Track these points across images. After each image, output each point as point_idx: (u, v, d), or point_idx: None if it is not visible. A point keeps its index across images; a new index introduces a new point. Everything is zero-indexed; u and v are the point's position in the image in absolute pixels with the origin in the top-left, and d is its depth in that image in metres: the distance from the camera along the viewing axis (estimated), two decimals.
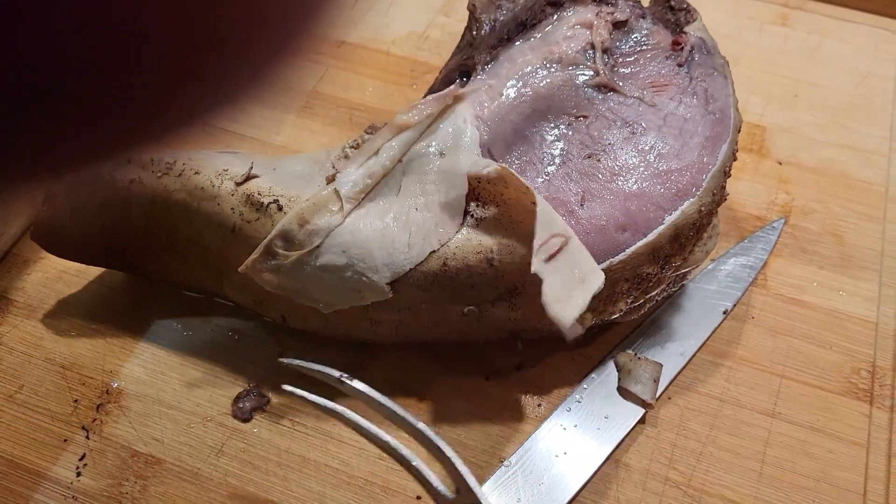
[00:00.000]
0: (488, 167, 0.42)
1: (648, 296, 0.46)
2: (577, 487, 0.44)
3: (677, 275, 0.47)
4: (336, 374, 0.40)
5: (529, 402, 0.48)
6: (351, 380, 0.40)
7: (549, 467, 0.45)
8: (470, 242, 0.42)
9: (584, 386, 0.48)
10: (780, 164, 0.59)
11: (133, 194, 0.45)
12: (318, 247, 0.42)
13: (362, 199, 0.43)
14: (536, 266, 0.40)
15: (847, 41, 0.67)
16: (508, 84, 0.47)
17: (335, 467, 0.45)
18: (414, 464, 0.39)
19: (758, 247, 0.54)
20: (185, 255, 0.47)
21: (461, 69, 0.49)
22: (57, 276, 0.52)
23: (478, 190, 0.43)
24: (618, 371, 0.48)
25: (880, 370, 0.49)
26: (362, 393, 0.40)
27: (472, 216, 0.43)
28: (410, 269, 0.42)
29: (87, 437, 0.46)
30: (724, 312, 0.51)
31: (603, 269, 0.43)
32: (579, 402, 0.47)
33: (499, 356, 0.49)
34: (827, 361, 0.50)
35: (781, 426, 0.47)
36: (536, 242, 0.41)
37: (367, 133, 0.48)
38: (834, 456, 0.46)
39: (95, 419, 0.47)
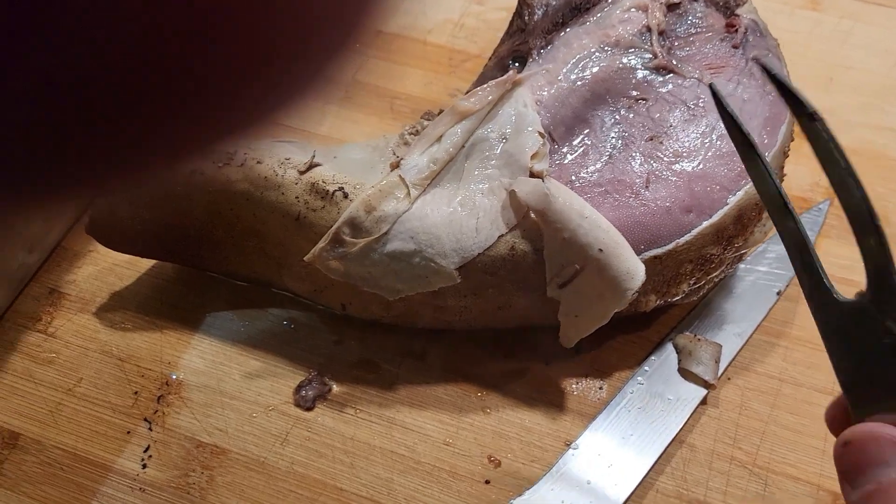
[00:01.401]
0: (540, 161, 0.43)
1: (709, 277, 0.46)
2: (646, 469, 0.44)
3: (736, 256, 0.47)
4: (811, 107, 0.33)
5: (591, 385, 0.48)
6: (823, 120, 0.32)
7: (616, 450, 0.45)
8: (536, 227, 0.42)
9: (646, 368, 0.48)
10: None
11: (193, 185, 0.45)
12: (385, 233, 0.42)
13: (427, 185, 0.43)
14: (550, 292, 0.43)
15: (880, 25, 0.67)
16: (565, 68, 0.47)
17: (401, 454, 0.45)
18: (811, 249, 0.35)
19: (806, 228, 0.54)
20: (243, 247, 0.47)
21: (514, 55, 0.49)
22: (108, 268, 0.52)
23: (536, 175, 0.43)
24: (677, 353, 0.48)
25: None
26: (825, 133, 0.32)
27: None
28: (479, 253, 0.42)
29: (150, 429, 0.46)
30: (778, 293, 0.51)
31: (668, 251, 0.43)
32: (641, 384, 0.47)
33: (557, 341, 0.49)
34: None
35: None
36: (548, 274, 0.42)
37: (425, 119, 0.48)
38: None
39: (157, 411, 0.47)
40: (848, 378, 0.33)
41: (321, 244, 0.42)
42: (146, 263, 0.52)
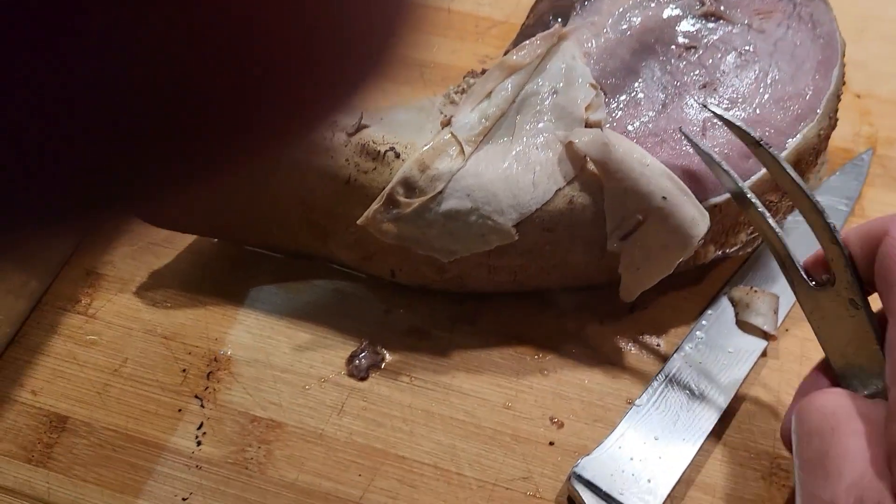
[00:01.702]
0: (595, 112, 0.42)
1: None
2: (713, 423, 0.43)
3: (790, 204, 0.46)
4: (756, 136, 0.39)
5: (648, 342, 0.47)
6: (767, 146, 0.38)
7: (680, 405, 0.44)
8: (595, 178, 0.41)
9: (703, 322, 0.47)
10: (859, 97, 0.58)
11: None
12: (440, 192, 0.41)
13: (480, 141, 0.42)
14: (611, 245, 0.42)
15: None
16: (611, 20, 0.46)
17: (461, 419, 0.44)
18: (784, 242, 0.38)
19: (850, 178, 0.54)
20: (288, 218, 0.46)
21: (555, 11, 0.48)
22: (145, 247, 0.51)
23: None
24: (734, 306, 0.48)
25: None
26: (770, 156, 0.38)
27: None
28: (537, 209, 0.41)
29: (202, 406, 0.45)
30: None
31: (728, 199, 0.42)
32: (700, 338, 0.46)
33: (610, 299, 0.48)
34: None
35: None
36: (609, 227, 0.41)
37: (470, 77, 0.47)
38: None
39: (208, 387, 0.45)
40: (837, 363, 0.38)
41: (375, 206, 0.41)
42: (184, 241, 0.51)
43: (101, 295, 0.49)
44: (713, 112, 0.41)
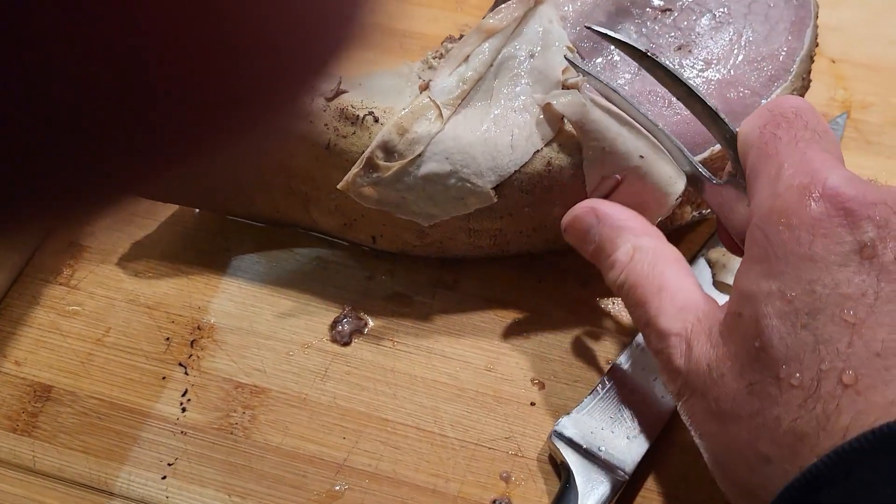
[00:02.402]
0: (573, 74, 0.42)
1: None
2: None
3: None
4: (642, 48, 0.39)
5: None
6: (655, 56, 0.39)
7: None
8: (572, 139, 0.42)
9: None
10: (834, 61, 0.59)
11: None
12: (419, 155, 0.41)
13: (458, 105, 0.43)
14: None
15: None
16: None
17: (444, 381, 0.45)
18: (678, 145, 0.39)
19: None
20: (270, 186, 0.46)
21: None
22: (127, 219, 0.51)
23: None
24: (710, 267, 0.48)
25: None
26: (660, 65, 0.38)
27: None
28: (515, 171, 0.42)
29: (186, 373, 0.45)
30: None
31: (704, 158, 0.43)
32: None
33: (590, 264, 0.49)
34: None
35: None
36: (588, 187, 0.42)
37: (448, 43, 0.47)
38: None
39: (191, 355, 0.46)
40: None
41: (354, 170, 0.42)
42: (166, 211, 0.51)
43: (83, 266, 0.49)
44: (594, 30, 0.40)
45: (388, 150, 0.41)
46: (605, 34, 0.39)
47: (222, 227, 0.50)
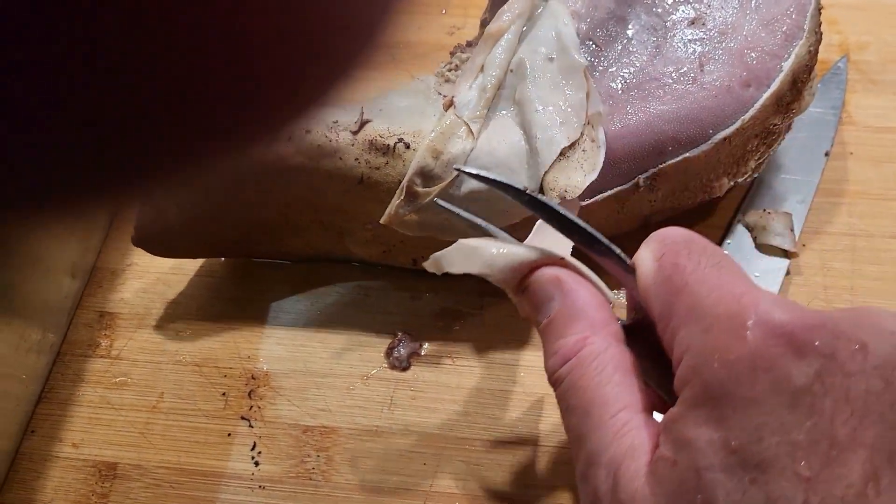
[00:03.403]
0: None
1: (770, 149, 0.46)
2: None
3: (788, 123, 0.47)
4: (520, 186, 0.35)
5: None
6: (535, 193, 0.35)
7: None
8: (601, 138, 0.41)
9: (725, 252, 0.48)
10: (823, 7, 0.59)
11: (242, 171, 0.42)
12: (457, 175, 0.41)
13: (484, 116, 0.42)
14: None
15: None
16: None
17: (511, 390, 0.44)
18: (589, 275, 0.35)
19: (831, 87, 0.55)
20: (298, 223, 0.45)
21: None
22: (154, 279, 0.49)
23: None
24: (750, 231, 0.48)
25: None
26: (545, 205, 0.34)
27: (596, 112, 0.42)
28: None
29: (251, 426, 0.44)
30: (826, 154, 0.52)
31: (736, 129, 0.43)
32: None
33: (629, 247, 0.49)
34: None
35: None
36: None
37: (458, 52, 0.46)
38: None
39: (252, 406, 0.45)
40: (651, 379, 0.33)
41: (395, 201, 0.41)
42: (192, 266, 0.50)
43: (120, 334, 0.48)
44: (466, 173, 0.36)
45: (426, 176, 0.41)
46: (479, 175, 0.36)
47: (253, 271, 0.49)
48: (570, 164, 0.41)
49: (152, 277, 0.50)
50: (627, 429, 0.29)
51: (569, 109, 0.42)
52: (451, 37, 0.59)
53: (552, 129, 0.41)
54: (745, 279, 0.29)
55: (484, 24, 0.50)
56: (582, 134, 0.42)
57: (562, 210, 0.34)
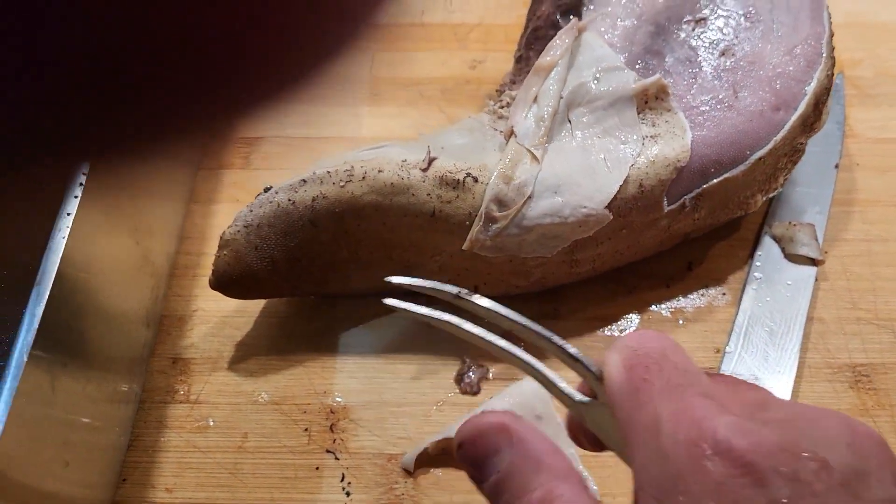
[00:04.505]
0: (647, 80, 0.45)
1: (795, 165, 0.50)
2: (797, 350, 0.48)
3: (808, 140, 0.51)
4: (454, 290, 0.34)
5: (714, 293, 0.51)
6: (470, 295, 0.34)
7: (765, 342, 0.48)
8: (657, 158, 0.45)
9: (757, 264, 0.52)
10: None
11: (318, 211, 0.45)
12: (530, 197, 0.44)
13: (545, 143, 0.45)
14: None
15: None
16: (621, 9, 0.49)
17: None
18: (540, 370, 0.34)
19: (833, 103, 0.59)
20: (368, 261, 0.47)
21: (561, 9, 0.51)
22: (220, 322, 0.51)
23: (641, 107, 0.46)
24: (778, 242, 0.52)
25: None
26: (480, 307, 0.34)
27: (646, 136, 0.46)
28: (616, 191, 0.44)
29: (337, 458, 0.46)
30: (836, 166, 0.56)
31: (770, 150, 0.47)
32: (759, 278, 0.51)
33: (668, 263, 0.52)
34: None
35: None
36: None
37: (504, 90, 0.49)
38: None
39: (335, 440, 0.47)
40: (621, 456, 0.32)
41: (475, 228, 0.43)
42: (255, 307, 0.51)
43: (196, 379, 0.49)
44: (389, 305, 0.35)
45: (501, 201, 0.43)
46: (402, 308, 0.36)
47: (317, 308, 0.51)
48: (664, 139, 0.45)
49: (218, 321, 0.51)
50: None
51: (624, 130, 0.45)
52: (474, 70, 0.62)
53: (615, 151, 0.45)
54: (709, 403, 0.27)
55: (519, 60, 0.53)
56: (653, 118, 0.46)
57: (517, 317, 0.33)
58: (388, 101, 0.61)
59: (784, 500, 0.24)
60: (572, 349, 0.31)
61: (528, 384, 0.46)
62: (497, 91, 0.50)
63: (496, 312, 0.33)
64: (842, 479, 0.25)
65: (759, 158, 0.47)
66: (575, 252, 0.46)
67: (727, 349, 0.48)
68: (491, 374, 0.49)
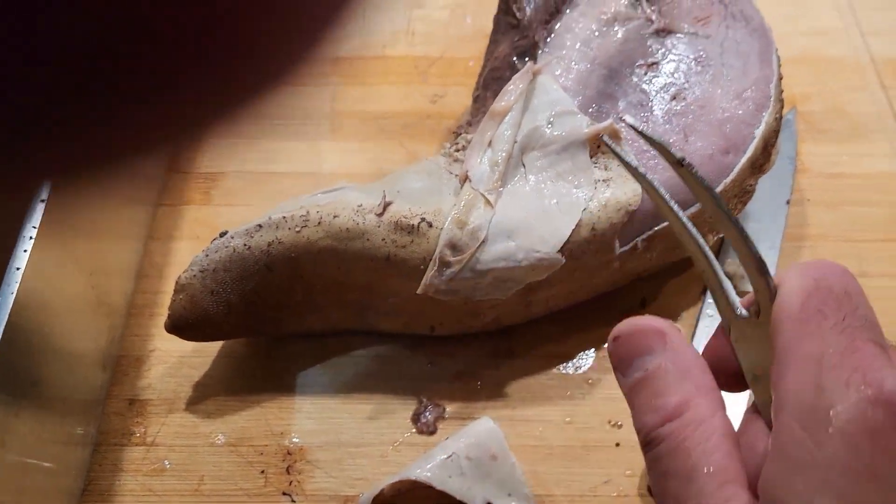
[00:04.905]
0: (599, 125, 0.46)
1: (745, 205, 0.51)
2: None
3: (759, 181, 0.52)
4: (678, 155, 0.33)
5: None
6: (691, 167, 0.33)
7: None
8: (609, 202, 0.45)
9: (709, 301, 0.53)
10: None
11: (274, 256, 0.45)
12: (483, 241, 0.44)
13: (499, 187, 0.45)
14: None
15: None
16: (575, 53, 0.50)
17: (533, 445, 0.48)
18: (717, 269, 0.35)
19: (784, 138, 0.60)
20: (322, 302, 0.48)
21: (517, 51, 0.51)
22: (178, 362, 0.51)
23: (594, 151, 0.47)
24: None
25: None
26: (698, 180, 0.33)
27: (598, 179, 0.46)
28: (569, 234, 0.45)
29: (293, 501, 0.46)
30: (787, 202, 0.57)
31: (719, 192, 0.48)
32: (712, 315, 0.52)
33: (622, 301, 0.53)
34: (881, 216, 0.57)
35: (874, 282, 0.54)
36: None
37: (461, 132, 0.50)
38: None
39: (292, 482, 0.47)
40: (753, 379, 0.34)
41: (429, 273, 0.44)
42: (213, 348, 0.52)
43: (152, 420, 0.49)
44: (633, 128, 0.36)
45: (455, 246, 0.44)
46: (644, 134, 0.35)
47: (274, 348, 0.52)
48: (616, 182, 0.45)
49: (176, 361, 0.51)
50: (737, 499, 0.28)
51: (577, 174, 0.46)
52: (435, 105, 0.63)
53: (568, 195, 0.45)
54: (881, 353, 0.28)
55: (477, 100, 0.54)
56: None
57: (712, 191, 0.32)
58: (349, 135, 0.62)
59: None
60: (762, 260, 0.32)
61: (485, 424, 0.47)
62: (454, 133, 0.51)
63: (711, 194, 0.32)
64: None
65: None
66: (529, 294, 0.47)
67: None
68: (447, 413, 0.49)
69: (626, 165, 0.36)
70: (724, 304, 0.33)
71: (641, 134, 0.35)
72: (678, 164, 0.33)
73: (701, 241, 0.34)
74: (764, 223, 0.56)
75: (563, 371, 0.51)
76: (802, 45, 0.66)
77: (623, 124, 0.46)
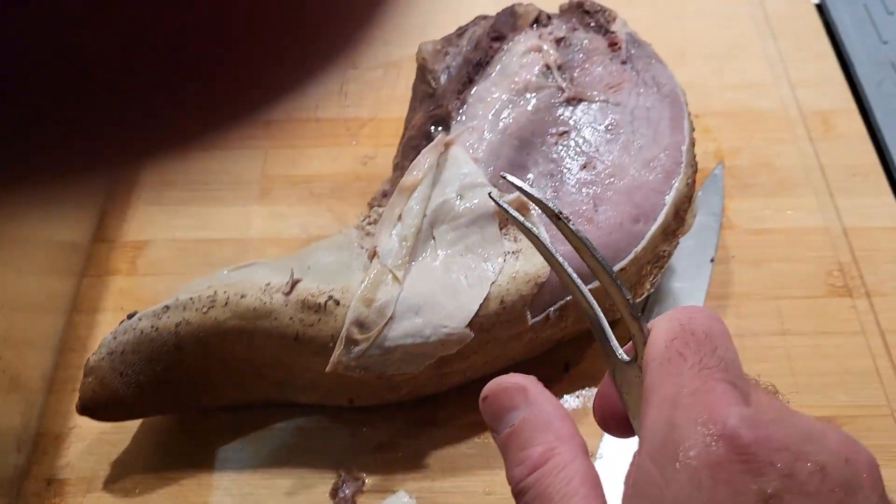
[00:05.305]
0: (508, 197, 0.46)
1: (661, 270, 0.51)
2: None
3: (676, 244, 0.52)
4: (556, 209, 0.35)
5: (590, 395, 0.52)
6: (568, 220, 0.34)
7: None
8: (518, 275, 0.46)
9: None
10: (697, 116, 0.66)
11: (182, 337, 0.45)
12: (391, 318, 0.44)
13: (407, 262, 0.46)
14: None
15: None
16: (488, 122, 0.50)
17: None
18: (600, 318, 0.35)
19: (710, 194, 0.61)
20: (239, 378, 0.48)
21: (433, 120, 0.52)
22: (97, 439, 0.51)
23: (504, 223, 0.47)
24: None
25: (845, 265, 0.58)
26: (575, 235, 0.34)
27: (508, 251, 0.47)
28: (477, 309, 0.45)
29: None
30: (711, 260, 0.57)
31: (630, 261, 0.48)
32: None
33: (544, 366, 0.53)
34: (804, 273, 0.57)
35: (794, 339, 0.54)
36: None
37: (374, 205, 0.50)
38: (843, 349, 0.54)
39: None
40: (634, 421, 0.34)
41: (337, 351, 0.44)
42: (133, 425, 0.51)
43: (70, 501, 0.49)
44: (513, 185, 0.36)
45: (362, 324, 0.44)
46: (523, 190, 0.36)
47: (195, 423, 0.51)
48: (525, 254, 0.46)
49: (95, 438, 0.51)
50: None
51: (486, 246, 0.46)
52: (364, 167, 0.63)
53: (477, 269, 0.45)
54: (731, 391, 0.29)
55: (396, 167, 0.54)
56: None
57: (587, 242, 0.34)
58: (278, 199, 0.62)
59: (770, 491, 0.26)
60: (635, 306, 0.33)
61: (401, 498, 0.47)
62: (368, 205, 0.51)
63: (586, 246, 0.34)
64: (834, 486, 0.27)
65: (621, 269, 0.48)
66: (443, 366, 0.47)
67: (599, 453, 0.49)
68: (367, 486, 0.49)
69: (520, 227, 0.37)
70: (609, 350, 0.35)
71: (521, 190, 0.36)
72: (556, 217, 0.35)
73: (581, 285, 0.36)
74: (687, 282, 0.56)
75: (484, 440, 0.51)
76: (731, 99, 0.67)
77: (502, 181, 0.46)
